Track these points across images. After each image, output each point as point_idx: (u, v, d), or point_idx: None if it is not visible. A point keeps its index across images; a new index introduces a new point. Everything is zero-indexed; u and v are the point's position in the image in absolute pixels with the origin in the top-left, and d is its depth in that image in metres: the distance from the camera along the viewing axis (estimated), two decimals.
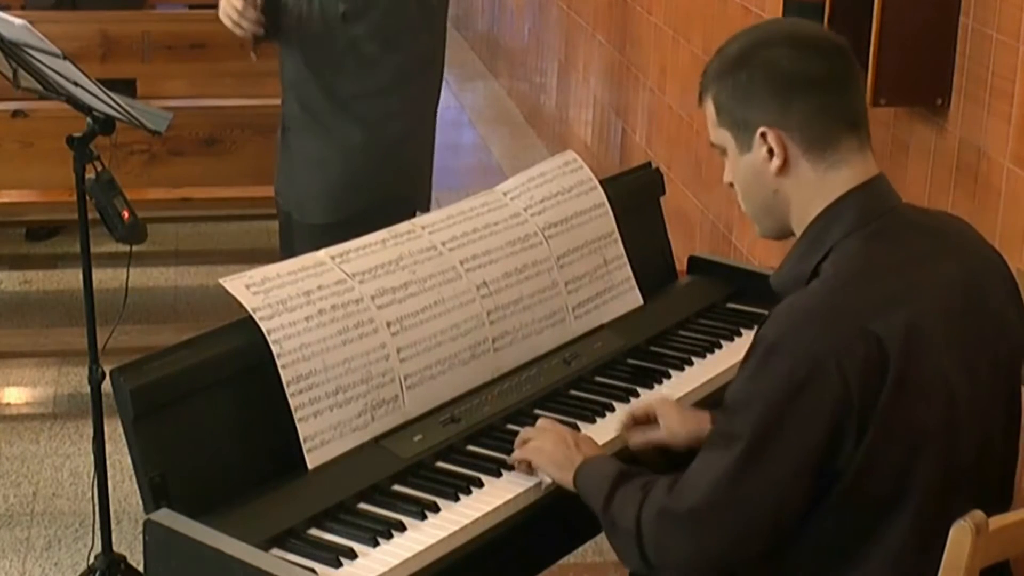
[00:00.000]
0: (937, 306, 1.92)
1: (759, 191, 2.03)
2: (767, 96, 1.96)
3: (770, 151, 1.98)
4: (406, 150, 3.41)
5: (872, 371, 1.83)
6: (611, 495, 2.04)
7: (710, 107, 2.05)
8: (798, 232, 2.03)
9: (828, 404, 1.83)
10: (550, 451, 2.19)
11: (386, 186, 3.35)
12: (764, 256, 3.85)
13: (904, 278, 1.93)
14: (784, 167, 1.98)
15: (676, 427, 2.32)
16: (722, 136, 2.04)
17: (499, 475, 2.23)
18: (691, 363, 2.64)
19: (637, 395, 2.51)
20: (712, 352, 2.69)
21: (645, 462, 2.30)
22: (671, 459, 2.31)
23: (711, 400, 2.50)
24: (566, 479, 2.15)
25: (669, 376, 2.59)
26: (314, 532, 2.08)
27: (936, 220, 2.09)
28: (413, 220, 2.54)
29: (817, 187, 1.98)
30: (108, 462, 3.10)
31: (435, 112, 3.55)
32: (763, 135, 1.97)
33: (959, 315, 1.94)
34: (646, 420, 2.36)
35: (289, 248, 3.42)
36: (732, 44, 2.03)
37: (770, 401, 1.86)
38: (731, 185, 2.07)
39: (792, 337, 1.86)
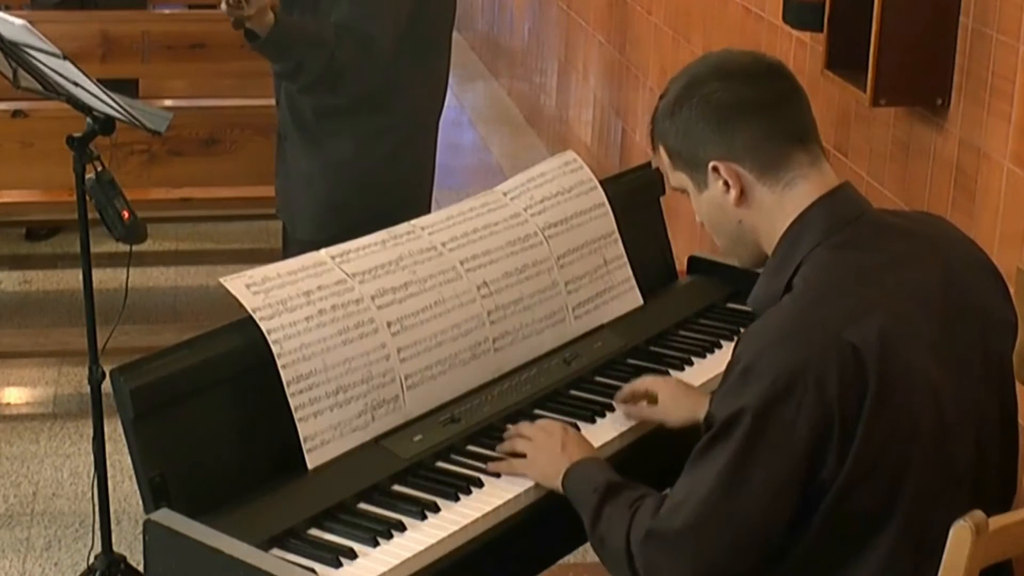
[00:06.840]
0: (914, 309, 1.92)
1: (725, 224, 2.06)
2: (709, 131, 2.00)
3: (725, 184, 2.01)
4: (397, 167, 3.37)
5: (851, 381, 1.83)
6: (599, 511, 2.06)
7: (663, 155, 2.09)
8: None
9: (806, 418, 1.83)
10: (537, 463, 2.21)
11: (373, 205, 3.31)
12: None
13: (878, 284, 1.93)
14: (742, 196, 2.01)
15: (671, 409, 2.37)
16: (680, 179, 2.09)
17: (499, 475, 2.23)
18: (691, 363, 2.64)
19: None
20: (712, 352, 2.69)
21: (636, 457, 2.32)
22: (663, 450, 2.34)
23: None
24: (555, 487, 2.18)
25: (669, 376, 2.59)
26: (314, 532, 2.08)
27: (911, 221, 2.08)
28: (413, 221, 2.53)
29: (779, 208, 2.00)
30: (108, 462, 3.10)
31: (435, 127, 3.49)
32: (715, 169, 2.01)
33: (939, 315, 1.94)
34: (645, 397, 2.41)
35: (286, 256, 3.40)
36: (670, 88, 2.07)
37: (749, 419, 1.86)
38: (703, 225, 2.11)
39: (767, 355, 1.86)
